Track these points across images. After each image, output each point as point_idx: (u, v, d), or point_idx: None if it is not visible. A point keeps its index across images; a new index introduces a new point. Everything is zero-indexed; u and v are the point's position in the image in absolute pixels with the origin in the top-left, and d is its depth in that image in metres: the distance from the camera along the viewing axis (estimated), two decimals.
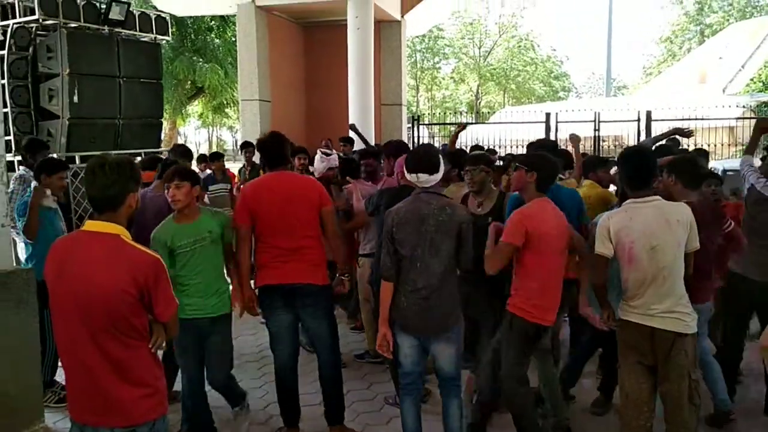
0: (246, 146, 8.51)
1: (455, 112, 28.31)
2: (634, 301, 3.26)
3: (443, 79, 36.19)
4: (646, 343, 3.23)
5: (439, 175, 3.47)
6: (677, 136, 6.13)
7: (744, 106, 16.53)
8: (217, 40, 22.85)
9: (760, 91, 21.01)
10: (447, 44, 33.92)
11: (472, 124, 20.42)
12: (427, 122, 21.65)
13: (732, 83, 18.83)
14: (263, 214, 3.81)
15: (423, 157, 3.46)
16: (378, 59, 13.33)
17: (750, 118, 15.14)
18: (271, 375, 4.27)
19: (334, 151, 6.96)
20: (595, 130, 13.56)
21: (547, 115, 13.57)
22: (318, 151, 6.17)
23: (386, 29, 13.69)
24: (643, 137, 12.83)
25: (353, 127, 9.00)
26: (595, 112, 13.75)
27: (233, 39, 19.43)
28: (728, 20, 30.30)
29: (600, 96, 39.02)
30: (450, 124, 23.21)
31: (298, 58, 14.03)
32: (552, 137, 13.12)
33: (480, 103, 36.17)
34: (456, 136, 6.51)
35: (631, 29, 71.02)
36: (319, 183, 4.21)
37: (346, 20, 11.76)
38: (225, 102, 24.52)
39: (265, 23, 12.49)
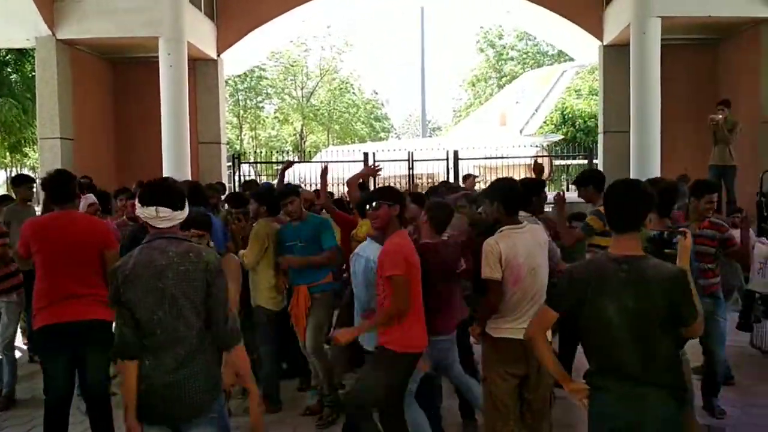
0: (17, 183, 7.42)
1: (280, 151, 28.39)
2: (512, 318, 3.52)
3: (267, 118, 36.22)
4: (522, 357, 3.48)
5: (184, 214, 2.84)
6: None
7: (539, 146, 18.32)
8: (14, 75, 21.27)
9: (552, 132, 23.49)
10: (269, 84, 34.08)
11: (297, 162, 20.58)
12: (251, 161, 21.41)
13: (528, 125, 20.79)
14: (44, 253, 3.69)
15: (165, 187, 2.84)
16: (194, 97, 13.07)
17: (544, 156, 16.85)
18: None
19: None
20: (409, 168, 14.31)
21: (365, 154, 14.09)
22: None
23: (202, 67, 13.49)
24: (452, 175, 13.84)
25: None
26: (409, 152, 14.54)
27: (33, 74, 18.10)
28: (524, 68, 33.75)
29: (417, 137, 41.30)
30: (274, 162, 23.31)
31: (106, 95, 13.36)
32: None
33: (305, 142, 36.62)
34: (283, 173, 6.57)
35: (443, 74, 76.25)
36: (104, 224, 4.07)
37: (158, 57, 11.43)
38: (24, 140, 22.71)
39: (68, 58, 11.77)
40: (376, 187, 5.09)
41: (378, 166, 5.94)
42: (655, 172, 10.03)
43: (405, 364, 3.60)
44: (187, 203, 2.83)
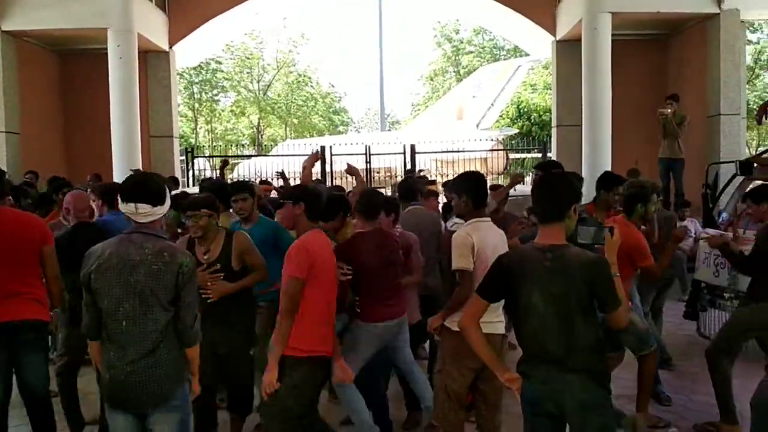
0: None
1: (237, 145, 28.02)
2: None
3: (223, 111, 35.69)
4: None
5: (164, 209, 2.86)
6: None
7: (494, 140, 18.50)
8: None
9: (508, 126, 23.79)
10: (225, 77, 33.56)
11: (254, 156, 20.36)
12: (206, 155, 21.09)
13: (484, 119, 20.94)
14: None
15: (144, 183, 2.84)
16: (145, 90, 12.80)
17: (500, 150, 17.04)
18: None
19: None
20: (366, 162, 14.28)
21: (322, 147, 13.99)
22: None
23: (153, 59, 13.21)
24: (408, 168, 13.88)
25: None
26: (366, 146, 14.51)
27: None
28: (480, 62, 34.00)
29: (376, 130, 41.25)
30: (231, 156, 23.02)
31: (54, 88, 12.98)
32: (327, 169, 13.63)
33: (262, 136, 36.23)
34: (222, 172, 6.49)
35: (401, 68, 76.33)
36: (40, 220, 3.89)
37: (107, 49, 11.16)
38: None
39: (13, 49, 11.40)
40: (333, 182, 5.09)
41: (317, 152, 5.72)
42: (606, 164, 10.23)
43: (306, 369, 3.44)
44: (168, 198, 2.85)
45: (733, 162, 8.74)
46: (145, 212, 2.75)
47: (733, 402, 4.41)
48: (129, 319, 2.70)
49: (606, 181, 5.10)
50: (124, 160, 10.91)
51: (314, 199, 3.59)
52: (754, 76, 24.79)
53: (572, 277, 2.62)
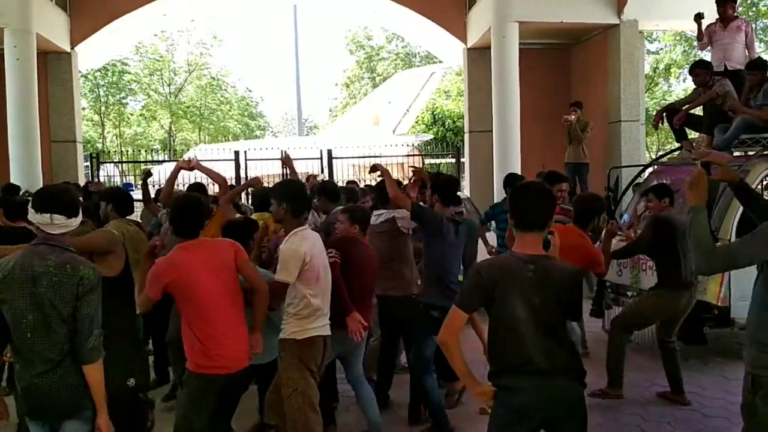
0: None
1: (148, 150, 27.04)
2: (314, 317, 3.68)
3: (132, 115, 34.31)
4: (320, 351, 3.74)
5: (77, 221, 2.84)
6: None
7: (411, 145, 18.73)
8: None
9: (424, 132, 24.10)
10: (133, 80, 32.28)
11: (166, 161, 19.68)
12: (115, 160, 20.19)
13: (400, 125, 21.22)
14: None
15: (61, 195, 2.81)
16: (45, 93, 12.13)
17: (417, 155, 17.25)
18: None
19: None
20: (282, 167, 14.06)
21: (236, 153, 13.73)
22: None
23: (54, 60, 12.54)
24: (326, 173, 13.83)
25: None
26: (282, 150, 14.31)
27: None
28: (395, 68, 34.36)
29: (294, 135, 40.88)
30: (142, 162, 22.11)
31: None
32: (242, 174, 13.37)
33: (174, 140, 35.11)
34: (145, 183, 6.31)
35: (319, 73, 76.12)
36: None
37: (2, 50, 10.52)
38: None
39: None
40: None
41: (192, 160, 5.51)
42: (516, 169, 10.54)
43: (198, 384, 3.43)
44: (80, 210, 2.83)
45: (634, 166, 9.25)
46: (59, 223, 2.72)
47: (622, 369, 5.10)
48: (33, 331, 2.68)
49: (550, 179, 5.57)
50: (22, 167, 10.31)
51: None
52: (652, 84, 26.26)
53: (554, 288, 2.67)
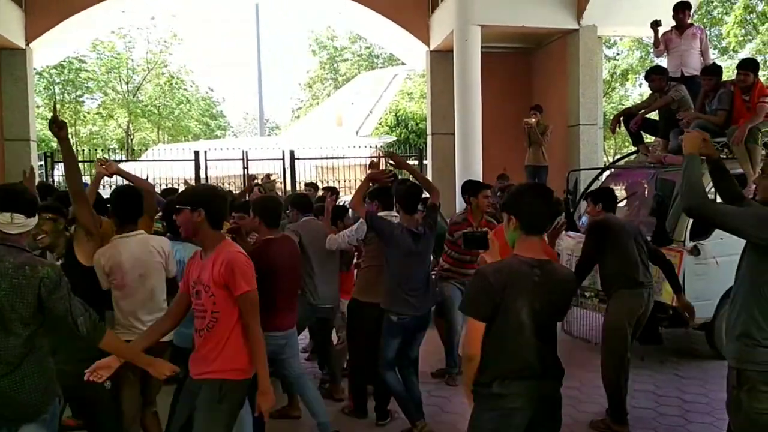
0: None
1: (104, 149, 26.47)
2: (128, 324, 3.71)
3: (88, 113, 33.50)
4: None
5: (35, 221, 2.82)
6: None
7: (374, 147, 18.76)
8: None
9: (387, 134, 24.18)
10: (90, 77, 31.52)
11: (123, 161, 19.30)
12: None
13: (363, 126, 21.30)
14: None
15: (21, 193, 2.76)
16: None
17: (379, 157, 17.23)
18: None
19: None
20: (244, 167, 13.95)
21: (196, 153, 13.54)
22: None
23: (8, 57, 12.19)
24: (288, 175, 13.73)
25: None
26: (243, 151, 14.18)
27: None
28: (358, 70, 34.37)
29: (255, 135, 40.52)
30: (99, 161, 21.54)
31: None
32: (202, 175, 13.19)
33: (132, 140, 34.43)
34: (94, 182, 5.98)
35: (281, 73, 75.59)
36: None
37: None
38: None
39: None
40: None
41: (111, 164, 5.03)
42: (477, 171, 10.64)
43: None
44: (37, 210, 2.83)
45: (592, 169, 9.41)
46: (19, 223, 2.69)
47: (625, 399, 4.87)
48: None
49: (474, 187, 5.63)
50: None
51: (217, 206, 3.28)
52: (610, 89, 26.84)
53: (557, 292, 2.68)
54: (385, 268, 4.66)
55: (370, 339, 4.77)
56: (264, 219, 4.25)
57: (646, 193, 7.26)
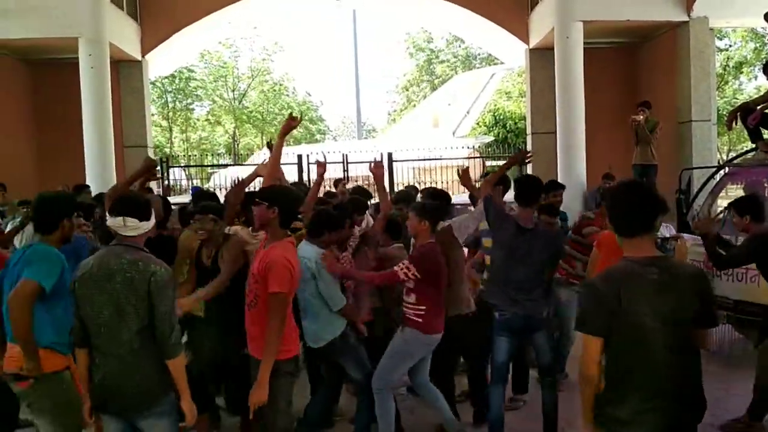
0: None
1: (213, 154, 27.83)
2: None
3: (198, 120, 35.35)
4: None
5: (150, 224, 3.04)
6: None
7: (471, 147, 18.59)
8: None
9: (484, 134, 23.91)
10: (199, 86, 33.27)
11: (230, 165, 20.22)
12: (182, 164, 20.87)
13: (460, 127, 21.08)
14: None
15: (133, 199, 3.06)
16: (118, 100, 12.66)
17: (477, 157, 17.11)
18: None
19: None
20: (344, 170, 14.23)
21: (299, 156, 13.93)
22: None
23: (126, 69, 13.07)
24: (386, 177, 13.85)
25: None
26: (343, 154, 14.47)
27: None
28: (454, 71, 34.20)
29: (353, 138, 41.24)
30: (207, 165, 22.82)
31: (25, 97, 12.77)
32: (305, 177, 13.57)
33: (238, 144, 35.97)
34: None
35: (378, 76, 76.61)
36: None
37: (78, 58, 11.01)
38: None
39: None
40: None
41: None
42: (581, 171, 10.33)
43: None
44: (153, 214, 3.08)
45: (707, 167, 8.90)
46: (132, 225, 2.94)
47: None
48: (106, 326, 2.84)
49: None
50: (97, 172, 10.77)
51: (290, 205, 3.50)
52: (722, 83, 25.26)
53: (684, 291, 2.35)
54: (490, 260, 4.69)
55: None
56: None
57: (766, 193, 6.78)
